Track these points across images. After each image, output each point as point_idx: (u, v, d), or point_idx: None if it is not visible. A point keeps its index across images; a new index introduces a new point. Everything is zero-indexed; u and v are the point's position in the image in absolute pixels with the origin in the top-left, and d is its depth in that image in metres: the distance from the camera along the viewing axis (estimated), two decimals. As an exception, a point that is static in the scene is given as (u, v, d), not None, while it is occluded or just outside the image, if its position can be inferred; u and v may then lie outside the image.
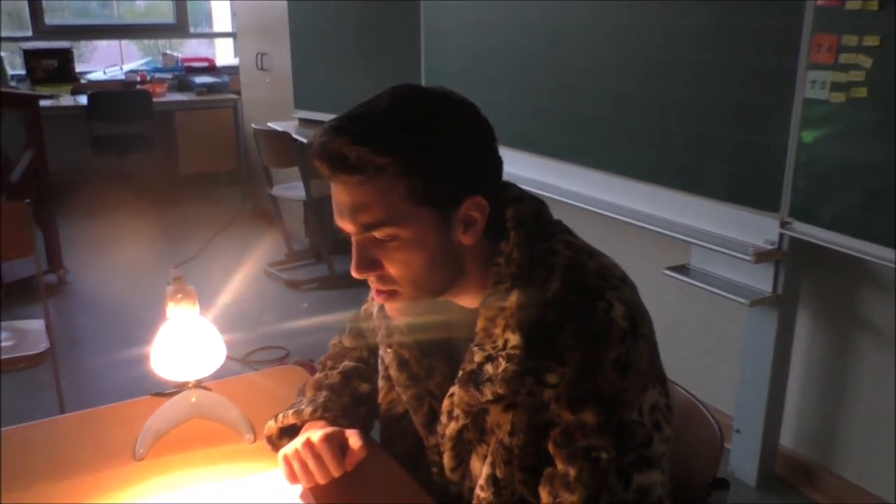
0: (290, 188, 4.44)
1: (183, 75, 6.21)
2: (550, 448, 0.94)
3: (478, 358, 0.97)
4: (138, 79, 6.06)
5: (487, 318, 0.97)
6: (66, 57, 5.92)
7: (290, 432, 1.19)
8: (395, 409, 1.17)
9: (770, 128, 2.13)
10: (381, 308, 1.12)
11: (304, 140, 4.06)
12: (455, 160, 0.94)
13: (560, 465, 0.93)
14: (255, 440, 1.25)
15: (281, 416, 1.20)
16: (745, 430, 2.48)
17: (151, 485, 1.15)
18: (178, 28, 6.51)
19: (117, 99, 5.61)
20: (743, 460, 2.49)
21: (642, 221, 2.54)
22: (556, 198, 2.78)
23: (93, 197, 5.63)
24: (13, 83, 5.69)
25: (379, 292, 1.01)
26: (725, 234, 2.31)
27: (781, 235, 2.17)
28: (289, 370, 1.56)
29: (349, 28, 4.14)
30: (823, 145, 2.01)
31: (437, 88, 0.98)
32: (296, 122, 4.46)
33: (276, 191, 4.49)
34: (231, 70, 6.14)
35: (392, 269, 0.97)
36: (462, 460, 1.06)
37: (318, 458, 1.09)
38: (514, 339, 0.93)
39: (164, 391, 1.31)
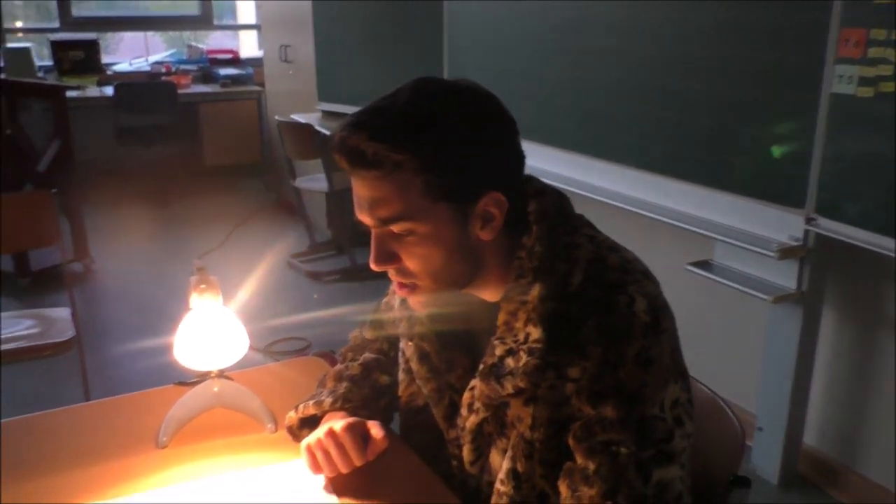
0: (313, 180, 4.46)
1: (207, 67, 6.25)
2: (570, 442, 0.94)
3: (499, 351, 0.97)
4: (163, 70, 6.10)
5: (509, 311, 0.97)
6: (92, 48, 5.97)
7: (310, 423, 1.19)
8: (416, 401, 1.17)
9: (797, 123, 2.11)
10: (403, 301, 1.12)
11: (328, 132, 4.07)
12: (473, 156, 0.94)
13: (580, 460, 0.93)
14: (277, 430, 1.26)
15: (302, 406, 1.21)
16: (767, 428, 2.46)
17: (174, 473, 1.16)
18: (203, 20, 6.54)
19: (143, 90, 5.66)
20: (765, 458, 2.47)
21: (665, 216, 2.52)
22: (578, 192, 2.77)
23: (118, 187, 5.69)
24: (41, 74, 5.76)
25: (401, 286, 1.02)
26: (749, 230, 2.28)
27: (806, 232, 2.14)
28: (310, 361, 1.57)
29: (373, 20, 4.14)
30: (850, 140, 1.98)
31: (460, 82, 0.98)
32: (319, 115, 4.47)
33: (299, 182, 4.51)
34: (255, 62, 6.17)
35: (410, 263, 0.98)
36: (482, 454, 1.06)
37: (340, 447, 1.10)
38: (535, 332, 0.93)
39: (187, 380, 1.32)
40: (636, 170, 2.66)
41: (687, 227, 2.44)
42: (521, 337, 0.95)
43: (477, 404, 1.02)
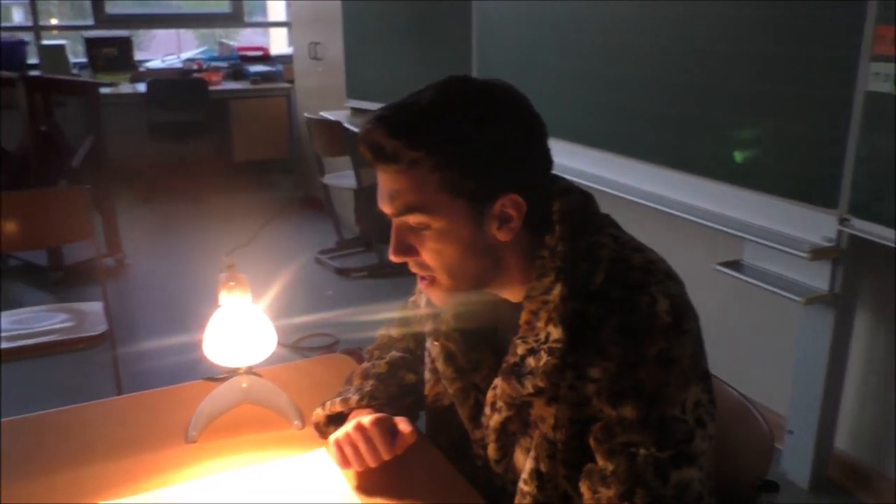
0: (342, 177, 4.48)
1: (238, 64, 6.30)
2: (591, 443, 0.94)
3: (520, 350, 0.98)
4: (195, 67, 6.17)
5: (531, 311, 0.97)
6: (125, 45, 6.05)
7: (336, 420, 1.20)
8: (441, 401, 1.17)
9: (830, 121, 2.08)
10: (430, 300, 1.13)
11: (356, 129, 4.08)
12: (493, 157, 0.94)
13: (600, 461, 0.93)
14: (304, 427, 1.28)
15: (328, 403, 1.22)
16: (798, 432, 2.43)
17: (203, 467, 1.18)
18: (235, 17, 6.60)
19: (174, 87, 5.73)
20: (795, 462, 2.44)
21: (695, 215, 2.50)
22: (608, 191, 2.75)
23: (150, 183, 5.77)
24: (75, 71, 5.84)
25: (421, 278, 1.03)
26: (780, 230, 2.26)
27: (840, 232, 2.11)
28: (337, 358, 1.58)
29: (401, 17, 4.15)
30: (885, 139, 1.95)
31: (489, 82, 0.98)
32: (348, 112, 4.49)
33: (328, 179, 4.53)
34: (285, 59, 6.21)
35: (426, 257, 0.99)
36: (506, 452, 1.06)
37: (368, 440, 1.10)
38: (555, 332, 0.93)
39: (216, 376, 1.34)
40: (666, 168, 2.63)
41: (717, 226, 2.41)
42: (542, 336, 0.95)
43: (499, 403, 1.03)
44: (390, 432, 1.12)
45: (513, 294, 1.04)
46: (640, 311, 0.91)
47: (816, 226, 2.16)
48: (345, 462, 1.12)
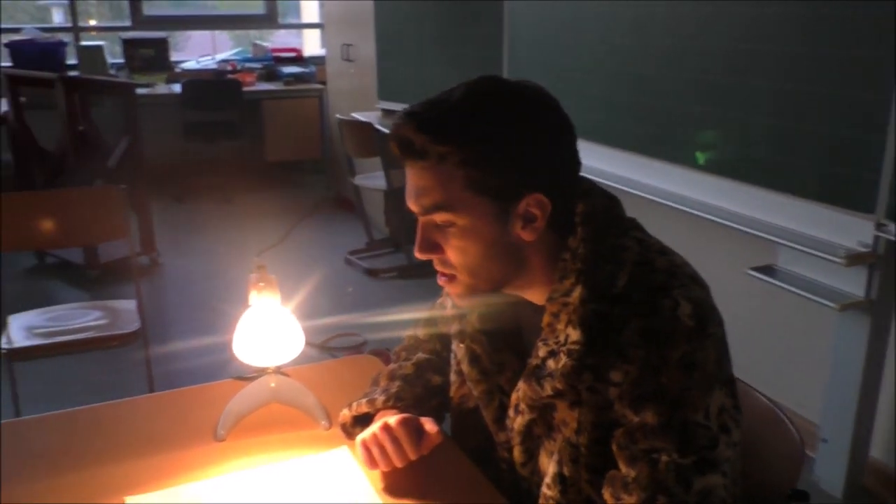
0: (372, 178, 4.50)
1: (272, 65, 6.36)
2: (614, 449, 0.93)
3: (542, 353, 0.98)
4: (229, 68, 6.24)
5: (552, 312, 0.97)
6: (162, 46, 6.14)
7: (363, 421, 1.21)
8: (467, 403, 1.17)
9: (867, 123, 2.04)
10: (456, 302, 1.13)
11: (387, 130, 4.09)
12: (519, 156, 0.95)
13: (622, 467, 0.92)
14: (331, 427, 1.28)
15: (355, 404, 1.22)
16: (832, 440, 2.38)
17: (230, 466, 1.19)
18: (268, 18, 6.66)
19: (209, 88, 5.80)
20: (829, 470, 2.40)
21: (726, 219, 2.46)
22: (638, 194, 2.73)
23: (184, 182, 5.84)
24: (112, 71, 5.94)
25: (441, 275, 1.04)
26: (815, 235, 2.22)
27: (876, 238, 2.07)
28: (364, 359, 1.59)
29: (433, 18, 4.15)
30: (926, 144, 1.91)
31: (520, 83, 0.99)
32: (379, 113, 4.51)
33: (358, 180, 4.55)
34: (318, 60, 6.26)
35: (450, 255, 1.00)
36: (532, 455, 1.06)
37: (395, 441, 1.11)
38: (574, 334, 0.93)
39: (245, 375, 1.35)
40: (697, 171, 2.61)
41: (749, 230, 2.38)
42: (562, 338, 0.95)
43: (522, 405, 1.03)
44: (416, 432, 1.13)
45: (536, 296, 1.04)
46: (663, 314, 0.91)
47: (852, 231, 2.12)
48: (371, 462, 1.13)
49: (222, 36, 7.25)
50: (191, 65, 6.37)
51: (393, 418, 1.13)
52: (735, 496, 0.94)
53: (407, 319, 1.40)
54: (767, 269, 2.44)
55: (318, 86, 6.09)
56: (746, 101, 2.39)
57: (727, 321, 0.97)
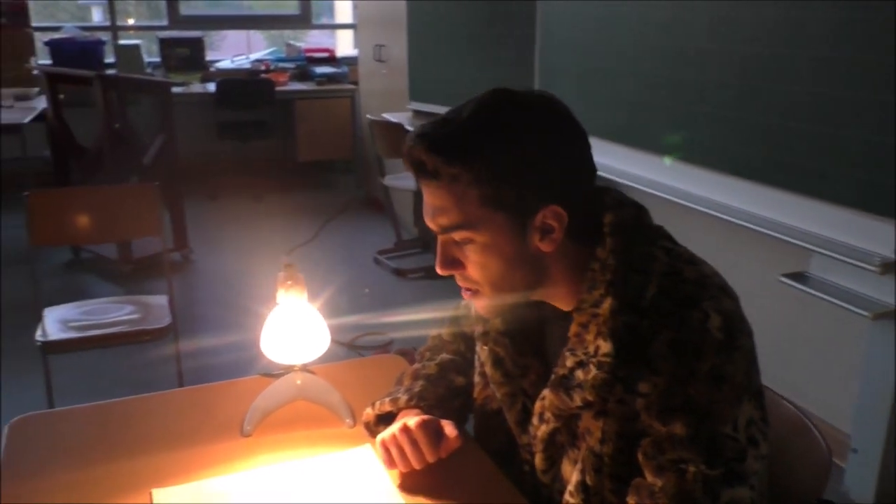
0: (402, 178, 4.51)
1: (305, 65, 6.41)
2: (640, 458, 0.93)
3: (569, 363, 0.98)
4: (263, 68, 6.29)
5: (580, 323, 0.97)
6: (197, 46, 6.22)
7: (386, 419, 1.22)
8: (490, 405, 1.18)
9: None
10: (479, 305, 1.14)
11: (417, 131, 4.11)
12: (532, 170, 0.94)
13: (648, 477, 0.92)
14: (355, 425, 1.29)
15: (378, 403, 1.23)
16: (863, 450, 2.34)
17: (256, 461, 1.20)
18: (302, 19, 6.72)
19: (243, 87, 5.86)
20: (860, 481, 2.36)
21: (759, 225, 2.44)
22: (669, 198, 2.71)
23: (215, 180, 5.91)
24: (149, 70, 6.03)
25: (465, 290, 1.04)
26: (849, 242, 2.18)
27: (911, 246, 2.03)
28: (389, 359, 1.60)
29: (465, 20, 4.16)
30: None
31: (529, 94, 0.99)
32: (410, 114, 4.53)
33: (388, 180, 4.57)
34: (350, 61, 6.29)
35: (471, 270, 1.00)
36: (554, 463, 1.06)
37: (414, 443, 1.12)
38: (605, 346, 0.93)
39: (272, 372, 1.37)
40: (730, 176, 2.58)
41: (781, 236, 2.35)
42: (591, 349, 0.95)
43: (547, 414, 1.03)
44: (436, 435, 1.13)
45: (562, 302, 1.04)
46: (692, 326, 0.90)
47: (887, 238, 2.08)
48: (390, 463, 1.14)
49: (257, 36, 7.32)
50: (225, 64, 6.44)
51: (413, 420, 1.13)
52: None
53: (433, 319, 1.40)
54: (799, 276, 2.41)
55: (350, 86, 6.13)
56: (781, 106, 2.36)
57: (758, 328, 0.97)
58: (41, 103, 4.89)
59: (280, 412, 1.32)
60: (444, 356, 1.29)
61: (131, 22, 6.46)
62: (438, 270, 1.02)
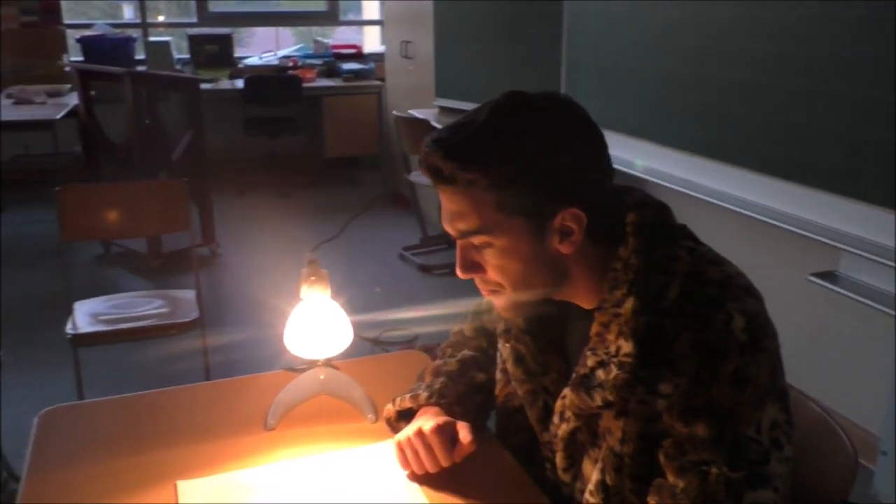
0: (427, 174, 4.51)
1: (332, 61, 6.44)
2: (661, 459, 0.92)
3: (590, 362, 0.97)
4: (290, 64, 6.33)
5: (602, 322, 0.97)
6: (226, 42, 6.28)
7: (407, 415, 1.23)
8: (512, 402, 1.18)
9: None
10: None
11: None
12: (548, 173, 0.94)
13: (670, 477, 0.91)
14: (377, 420, 1.30)
15: (399, 399, 1.24)
16: (892, 452, 2.31)
17: (279, 454, 1.21)
18: (330, 16, 6.75)
19: (270, 83, 5.91)
20: (889, 484, 2.32)
21: (787, 224, 2.41)
22: (696, 195, 2.69)
23: (242, 176, 5.96)
24: (178, 66, 6.09)
25: (486, 291, 1.04)
26: (879, 241, 2.15)
27: (944, 245, 2.00)
28: (412, 355, 1.60)
29: (492, 17, 4.15)
30: None
31: (544, 96, 0.99)
32: (436, 110, 4.53)
33: (414, 177, 4.58)
34: (377, 57, 6.31)
35: (491, 273, 1.01)
36: (574, 461, 1.06)
37: (428, 448, 1.12)
38: (626, 346, 0.92)
39: (296, 367, 1.38)
40: (758, 174, 2.55)
41: (810, 235, 2.32)
42: (613, 349, 0.94)
43: (567, 413, 1.02)
44: (451, 440, 1.13)
45: (584, 301, 1.04)
46: (715, 328, 0.90)
47: (919, 237, 2.05)
48: (406, 464, 1.15)
49: (285, 32, 7.37)
50: (253, 61, 6.49)
51: (428, 424, 1.13)
52: None
53: (458, 315, 1.41)
54: (828, 276, 2.37)
55: (378, 82, 6.15)
56: (809, 104, 2.33)
57: (785, 328, 0.96)
58: (73, 100, 4.97)
59: (303, 407, 1.33)
60: (466, 353, 1.29)
61: (161, 19, 6.54)
62: (459, 274, 1.03)
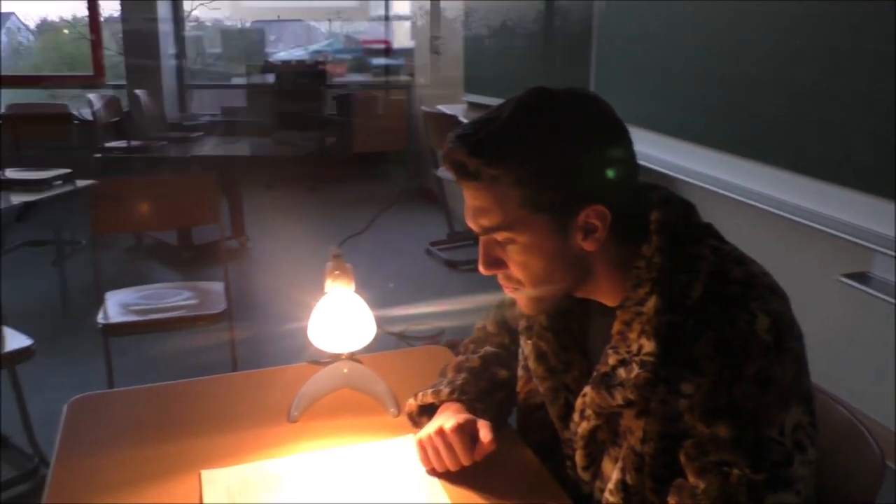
0: (455, 170, 4.52)
1: (362, 57, 6.47)
2: (682, 459, 0.92)
3: (612, 361, 0.97)
4: (321, 59, 6.37)
5: (624, 321, 0.96)
6: (258, 37, 6.33)
7: (428, 410, 1.23)
8: (533, 399, 1.18)
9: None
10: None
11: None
12: (572, 170, 0.94)
13: (691, 478, 0.91)
14: (399, 414, 1.31)
15: (420, 394, 1.24)
16: (922, 457, 2.27)
17: (301, 447, 1.23)
18: (361, 11, 6.77)
19: (301, 78, 5.93)
20: (917, 489, 2.28)
21: (818, 223, 2.37)
22: (727, 194, 2.66)
23: (272, 170, 6.00)
24: (210, 60, 6.16)
25: (507, 287, 1.05)
26: (913, 242, 2.11)
27: (980, 247, 1.96)
28: (436, 350, 1.61)
29: (522, 14, 4.14)
30: None
31: (569, 93, 0.98)
32: (465, 106, 4.54)
33: (441, 172, 4.59)
34: (407, 53, 6.32)
35: (514, 270, 1.01)
36: (594, 460, 1.05)
37: (448, 446, 1.12)
38: (648, 345, 0.92)
39: (320, 360, 1.39)
40: (788, 171, 2.52)
41: (843, 235, 2.28)
42: (634, 348, 0.94)
43: (588, 411, 1.02)
44: (471, 438, 1.13)
45: (606, 298, 1.03)
46: (739, 327, 0.89)
47: (954, 239, 2.01)
48: (427, 461, 1.15)
49: (317, 27, 7.41)
50: (285, 55, 6.54)
51: (449, 423, 1.13)
52: None
53: (484, 311, 1.41)
54: (861, 277, 2.33)
55: (406, 78, 6.16)
56: (844, 103, 2.29)
57: (816, 329, 0.94)
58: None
59: (326, 399, 1.34)
60: (488, 349, 1.29)
61: (195, 14, 6.61)
62: (481, 270, 1.03)
